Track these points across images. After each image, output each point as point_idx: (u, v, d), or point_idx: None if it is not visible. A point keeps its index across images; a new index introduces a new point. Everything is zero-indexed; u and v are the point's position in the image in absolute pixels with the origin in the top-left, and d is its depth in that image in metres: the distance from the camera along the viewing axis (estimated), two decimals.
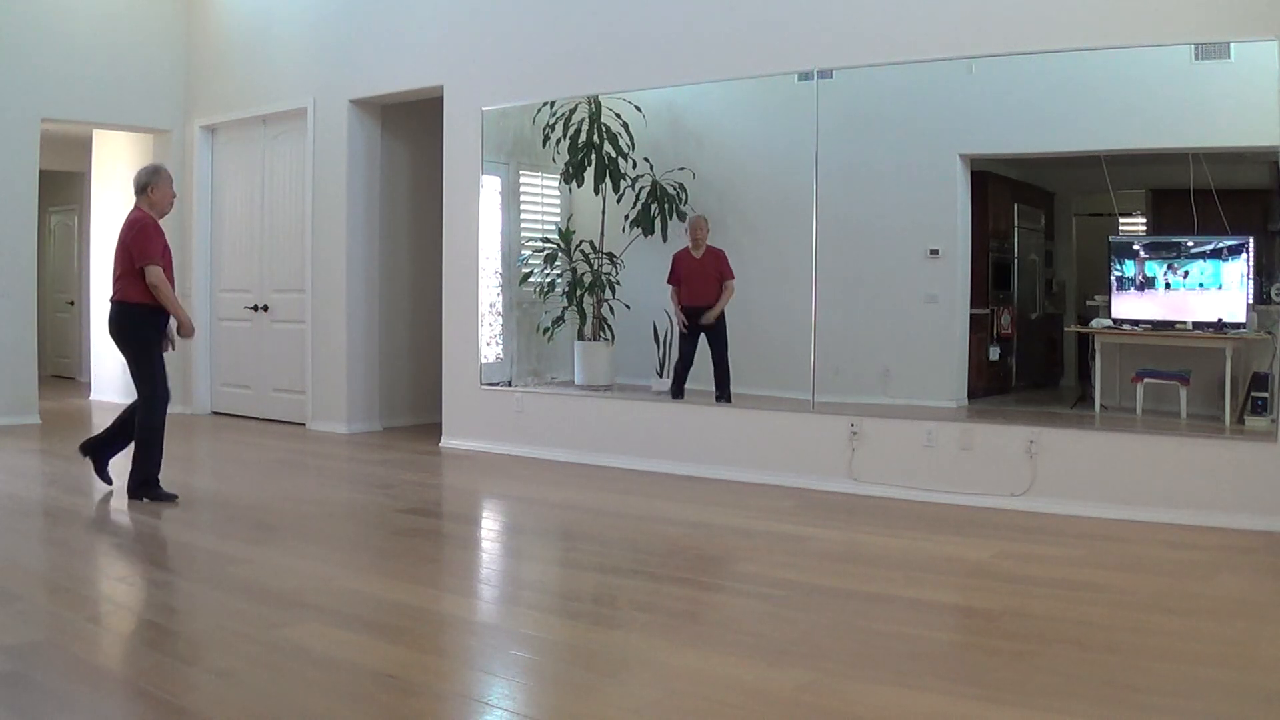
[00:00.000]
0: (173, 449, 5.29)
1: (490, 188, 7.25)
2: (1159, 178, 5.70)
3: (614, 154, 6.94)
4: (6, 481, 5.71)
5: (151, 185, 5.16)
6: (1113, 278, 5.53)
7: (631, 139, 6.88)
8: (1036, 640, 3.15)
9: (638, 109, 6.77)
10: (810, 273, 5.92)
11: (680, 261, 6.57)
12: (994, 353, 6.10)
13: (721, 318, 6.46)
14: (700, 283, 6.50)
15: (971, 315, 5.96)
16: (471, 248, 7.20)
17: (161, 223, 5.16)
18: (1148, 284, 5.46)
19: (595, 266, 7.08)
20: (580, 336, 7.10)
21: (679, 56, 6.25)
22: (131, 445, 5.22)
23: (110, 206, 9.84)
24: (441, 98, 7.33)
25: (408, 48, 7.48)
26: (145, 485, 5.16)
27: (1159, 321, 5.41)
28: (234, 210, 8.89)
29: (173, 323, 5.23)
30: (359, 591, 3.69)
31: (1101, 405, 5.57)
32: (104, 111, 8.69)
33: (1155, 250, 5.49)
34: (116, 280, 5.10)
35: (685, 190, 6.76)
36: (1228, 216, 5.21)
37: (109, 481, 5.38)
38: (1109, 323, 5.51)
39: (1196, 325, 5.28)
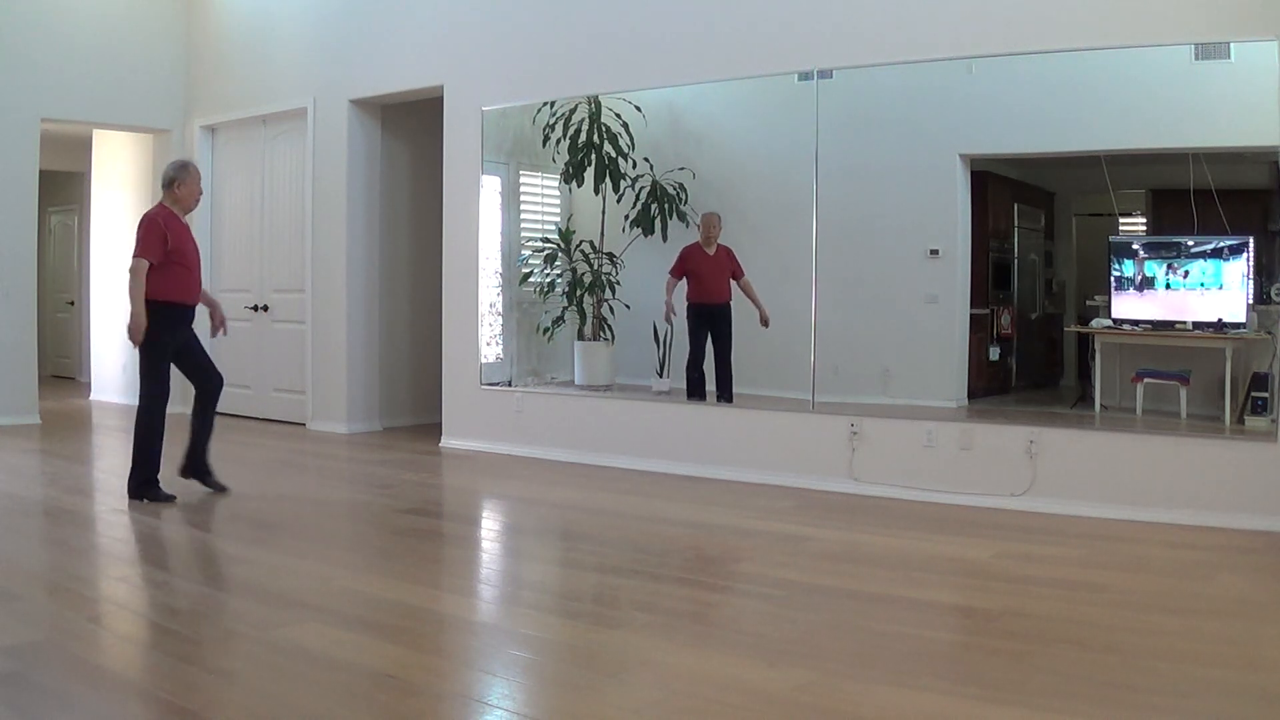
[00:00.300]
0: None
1: (490, 188, 7.25)
2: (1159, 178, 5.70)
3: (614, 154, 6.94)
4: (6, 481, 5.71)
5: (178, 181, 5.16)
6: (1112, 278, 5.53)
7: (631, 139, 6.88)
8: (1036, 640, 3.15)
9: (638, 109, 6.77)
10: (810, 273, 5.92)
11: (692, 257, 6.55)
12: (994, 353, 6.10)
13: (729, 316, 6.46)
14: (714, 279, 6.49)
15: (971, 315, 5.96)
16: (471, 248, 7.20)
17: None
18: (1147, 284, 5.46)
19: (595, 266, 7.08)
20: (580, 336, 7.10)
21: (679, 56, 6.25)
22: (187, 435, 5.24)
23: (110, 206, 9.86)
24: (441, 98, 7.33)
25: (408, 48, 7.48)
26: (145, 485, 5.15)
27: (1159, 321, 5.41)
28: (234, 210, 8.89)
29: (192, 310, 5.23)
30: (359, 591, 3.69)
31: (1101, 405, 5.57)
32: (104, 111, 8.69)
33: (1155, 250, 5.49)
34: None
35: (685, 190, 6.76)
36: (1228, 216, 5.21)
37: (223, 488, 5.35)
38: (1109, 323, 5.51)
39: (1196, 325, 5.28)
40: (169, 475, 5.24)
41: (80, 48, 8.40)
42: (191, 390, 5.36)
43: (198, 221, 8.93)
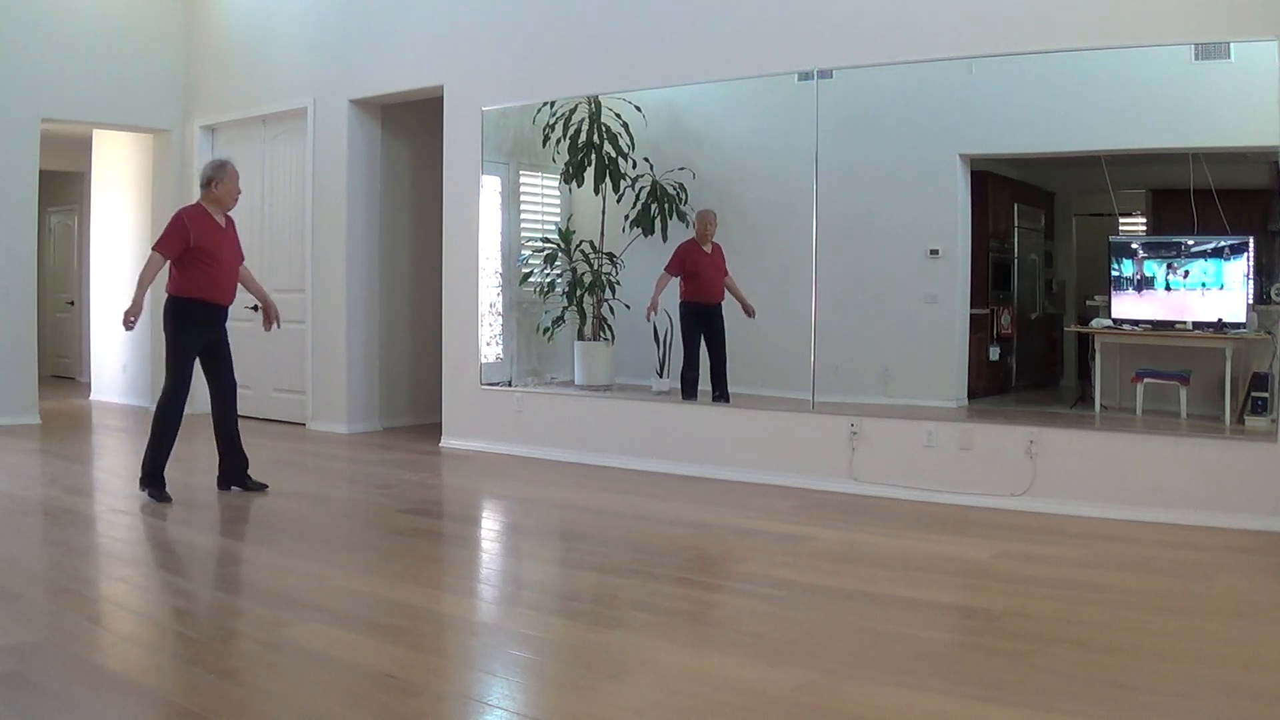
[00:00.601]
0: (174, 449, 5.30)
1: (490, 188, 7.25)
2: (1159, 178, 5.70)
3: (614, 154, 6.94)
4: (6, 481, 5.71)
5: (215, 180, 5.23)
6: (1112, 277, 5.53)
7: (631, 139, 6.88)
8: (1036, 640, 3.15)
9: (638, 109, 6.77)
10: (810, 273, 5.92)
11: (689, 255, 6.54)
12: (994, 353, 6.10)
13: (722, 315, 6.47)
14: (712, 278, 6.50)
15: (971, 315, 5.96)
16: (471, 248, 7.20)
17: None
18: (1147, 284, 5.46)
19: (595, 266, 7.08)
20: (580, 336, 7.10)
21: (679, 56, 6.25)
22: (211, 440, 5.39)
23: (110, 206, 9.86)
24: (441, 98, 7.33)
25: (408, 48, 7.48)
26: (149, 478, 5.17)
27: (1159, 321, 5.41)
28: (234, 210, 8.86)
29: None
30: (359, 591, 3.69)
31: (1101, 405, 5.57)
32: (104, 111, 8.69)
33: (1155, 250, 5.49)
34: (169, 274, 5.22)
35: (685, 190, 6.76)
36: (1228, 216, 5.22)
37: (263, 487, 5.42)
38: (1109, 323, 5.51)
39: (1196, 325, 5.28)
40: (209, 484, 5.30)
41: (80, 48, 8.40)
42: (190, 390, 5.39)
43: None
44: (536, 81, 6.86)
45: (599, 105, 6.92)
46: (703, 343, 6.50)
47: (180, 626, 3.28)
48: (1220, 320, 5.20)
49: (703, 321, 6.53)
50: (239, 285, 5.41)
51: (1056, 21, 5.05)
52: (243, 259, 5.46)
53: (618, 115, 6.89)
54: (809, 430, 5.77)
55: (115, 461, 6.87)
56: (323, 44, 8.04)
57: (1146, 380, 5.45)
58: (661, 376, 6.76)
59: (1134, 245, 5.58)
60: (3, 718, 2.46)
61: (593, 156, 6.97)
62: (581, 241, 7.13)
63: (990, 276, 6.17)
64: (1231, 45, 4.82)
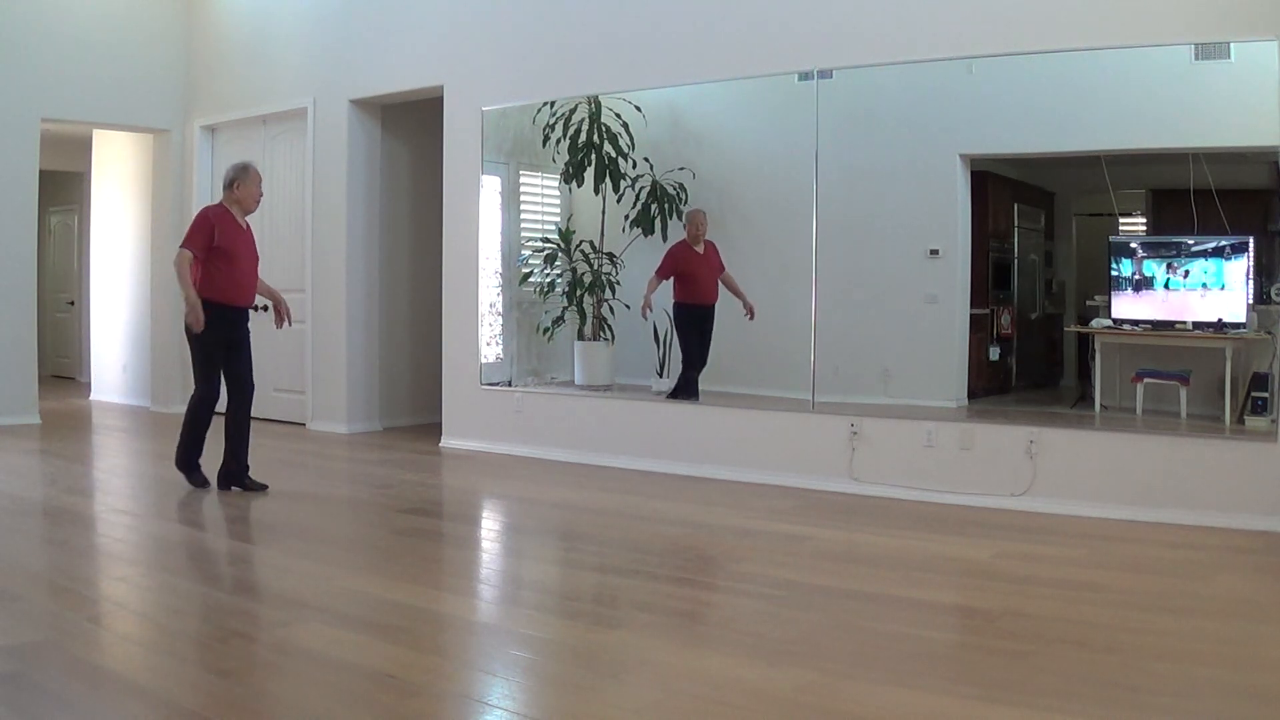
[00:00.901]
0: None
1: (490, 188, 7.25)
2: (1159, 178, 5.70)
3: (614, 154, 6.94)
4: (6, 481, 5.71)
5: (238, 182, 5.31)
6: (1112, 277, 5.53)
7: (631, 139, 6.88)
8: (1036, 640, 3.15)
9: (638, 109, 6.77)
10: (810, 272, 5.92)
11: (680, 257, 6.55)
12: (994, 353, 6.10)
13: (713, 317, 6.48)
14: (706, 279, 6.51)
15: (971, 315, 5.96)
16: (471, 248, 7.20)
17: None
18: (1147, 284, 5.46)
19: (595, 266, 7.08)
20: (580, 336, 7.10)
21: (679, 56, 6.25)
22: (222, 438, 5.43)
23: (110, 206, 9.86)
24: (441, 98, 7.33)
25: (408, 48, 7.48)
26: (183, 467, 5.39)
27: (1159, 321, 5.41)
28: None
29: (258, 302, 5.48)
30: (359, 591, 3.69)
31: (1101, 405, 5.57)
32: (104, 111, 8.69)
33: (1155, 250, 5.49)
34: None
35: (685, 190, 6.76)
36: (1228, 216, 5.21)
37: (262, 487, 5.44)
38: (1109, 323, 5.51)
39: (1196, 325, 5.28)
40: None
41: (80, 48, 8.40)
42: (190, 390, 5.41)
43: None
44: (536, 81, 6.86)
45: (599, 105, 6.92)
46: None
47: (180, 626, 3.28)
48: (1220, 320, 5.20)
49: (697, 323, 6.53)
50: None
51: (1056, 21, 5.05)
52: (258, 261, 5.49)
53: (618, 115, 6.89)
54: (809, 430, 5.77)
55: (115, 461, 6.87)
56: (323, 44, 8.04)
57: (1146, 380, 5.45)
58: (661, 376, 6.77)
59: (1134, 245, 5.58)
60: (3, 718, 2.46)
61: (593, 156, 6.97)
62: (581, 241, 7.13)
63: (990, 276, 6.17)
64: (1231, 45, 4.82)
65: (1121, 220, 5.93)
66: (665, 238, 6.76)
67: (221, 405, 5.36)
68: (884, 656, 3.02)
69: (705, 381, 6.46)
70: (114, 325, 9.80)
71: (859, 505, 5.26)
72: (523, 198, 7.47)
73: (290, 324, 5.61)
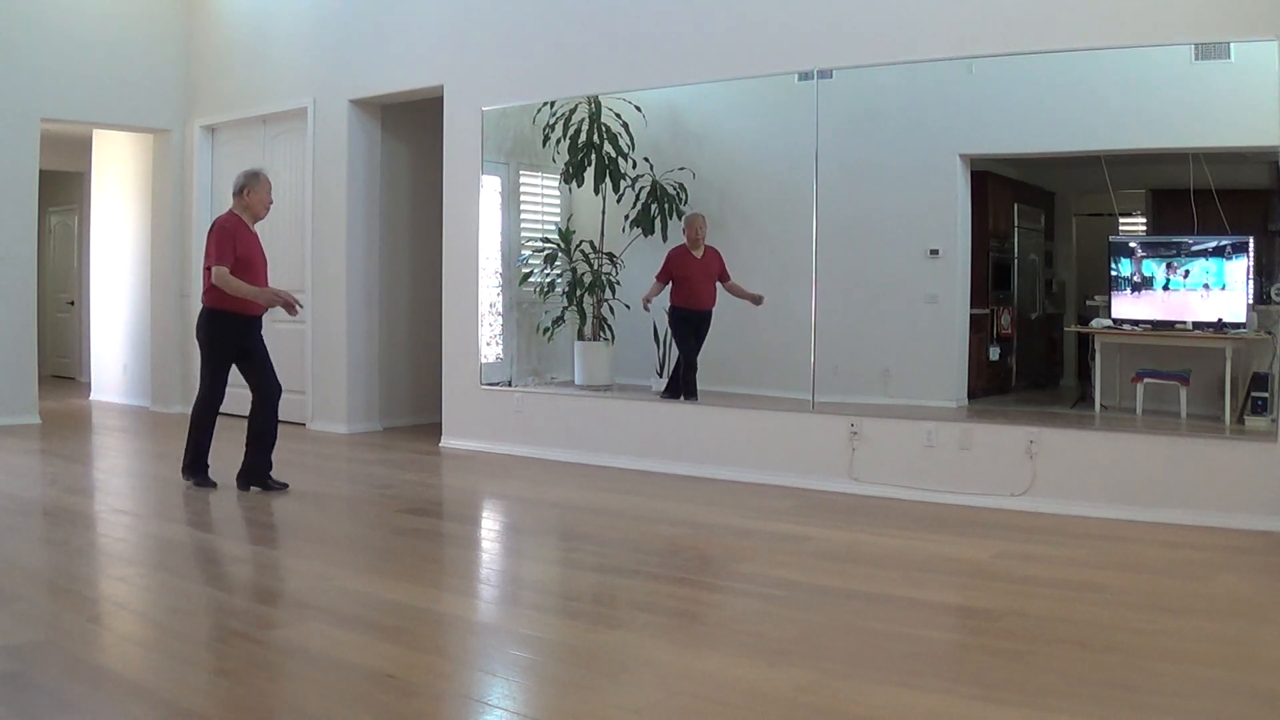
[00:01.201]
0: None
1: (490, 188, 7.25)
2: (1159, 178, 5.70)
3: (614, 154, 6.94)
4: (6, 481, 5.71)
5: (248, 188, 5.33)
6: (1112, 277, 5.53)
7: (631, 139, 6.88)
8: (1036, 640, 3.15)
9: (638, 109, 6.77)
10: (810, 273, 5.92)
11: (678, 261, 6.55)
12: (994, 353, 6.10)
13: (710, 321, 6.47)
14: (702, 284, 6.49)
15: (971, 315, 5.96)
16: (471, 248, 7.20)
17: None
18: (1147, 284, 5.46)
19: (595, 266, 7.08)
20: (580, 336, 7.10)
21: (679, 56, 6.25)
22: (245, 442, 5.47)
23: (110, 206, 9.86)
24: (441, 98, 7.33)
25: (408, 48, 7.48)
26: (189, 469, 5.43)
27: (1159, 321, 5.41)
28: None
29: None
30: (359, 591, 3.69)
31: (1101, 405, 5.57)
32: (104, 111, 8.69)
33: (1155, 250, 5.49)
34: (204, 284, 5.31)
35: (685, 190, 6.76)
36: (1228, 216, 5.22)
37: (283, 486, 5.46)
38: (1109, 323, 5.51)
39: (1196, 325, 5.28)
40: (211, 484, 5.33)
41: (80, 48, 8.40)
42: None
43: (198, 222, 8.96)
44: (536, 81, 6.86)
45: (599, 105, 6.92)
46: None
47: (180, 626, 3.28)
48: (1220, 320, 5.20)
49: (692, 327, 6.52)
50: None
51: (1056, 21, 5.05)
52: (268, 265, 5.51)
53: (618, 115, 6.89)
54: (809, 430, 5.77)
55: (115, 461, 6.87)
56: (323, 44, 8.04)
57: (1146, 380, 5.45)
58: (661, 376, 6.77)
59: (1134, 245, 5.58)
60: (3, 718, 2.46)
61: (593, 156, 6.97)
62: (581, 241, 7.13)
63: (990, 276, 6.17)
64: (1231, 45, 4.82)
65: (1121, 220, 5.93)
66: (665, 238, 6.76)
67: (235, 408, 5.35)
68: (884, 656, 3.02)
69: (705, 381, 6.46)
70: (114, 325, 9.80)
71: (859, 505, 5.26)
72: (523, 198, 7.47)
73: (299, 309, 5.59)
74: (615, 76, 6.57)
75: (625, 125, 6.88)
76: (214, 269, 5.16)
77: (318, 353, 8.11)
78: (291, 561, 4.11)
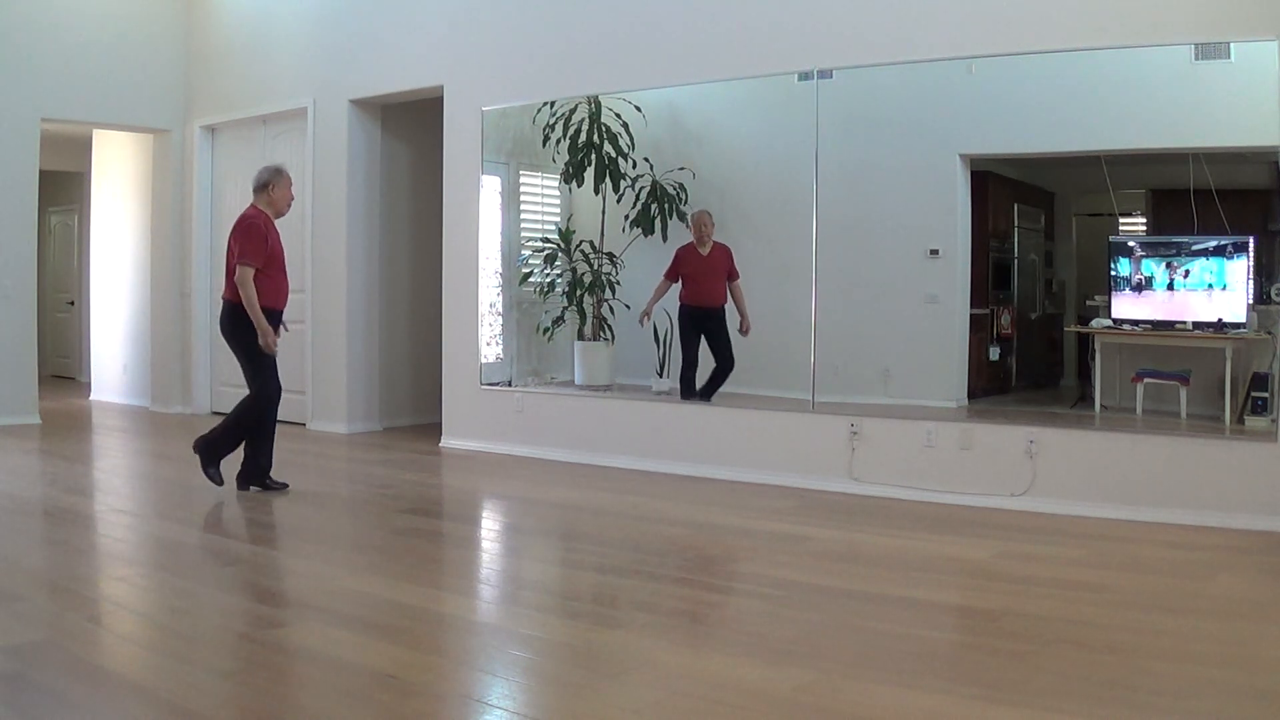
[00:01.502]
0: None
1: (490, 188, 7.25)
2: (1159, 178, 5.70)
3: (614, 154, 6.94)
4: (6, 481, 5.71)
5: (272, 184, 5.32)
6: (1112, 277, 5.53)
7: (631, 139, 6.88)
8: (1036, 640, 3.15)
9: (638, 109, 6.77)
10: (810, 272, 5.92)
11: (686, 259, 6.54)
12: (994, 353, 6.10)
13: (723, 318, 6.45)
14: (710, 282, 6.47)
15: (971, 315, 5.96)
16: (471, 248, 7.20)
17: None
18: (1147, 284, 5.46)
19: (595, 266, 7.08)
20: (580, 336, 7.10)
21: (679, 56, 6.25)
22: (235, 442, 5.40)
23: (110, 206, 9.86)
24: (441, 98, 7.33)
25: (408, 48, 7.48)
26: (255, 476, 5.34)
27: (1159, 321, 5.41)
28: (234, 211, 8.78)
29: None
30: (359, 591, 3.69)
31: (1101, 405, 5.57)
32: (104, 111, 8.69)
33: (1155, 250, 5.49)
34: (227, 278, 5.27)
35: (685, 190, 6.76)
36: (1228, 216, 5.21)
37: (219, 482, 5.35)
38: (1109, 323, 5.51)
39: (1196, 325, 5.28)
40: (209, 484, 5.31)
41: (80, 48, 8.40)
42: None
43: (198, 222, 8.97)
44: (536, 81, 6.86)
45: (599, 105, 6.92)
46: (704, 343, 6.48)
47: (180, 626, 3.28)
48: (1220, 320, 5.20)
49: (700, 325, 6.51)
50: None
51: (1056, 21, 5.05)
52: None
53: (618, 115, 6.89)
54: (809, 430, 5.77)
55: (115, 461, 6.88)
56: (323, 44, 8.04)
57: (1146, 380, 5.45)
58: (661, 376, 6.76)
59: (1134, 245, 5.58)
60: (3, 718, 2.46)
61: (593, 156, 6.97)
62: (581, 241, 7.13)
63: (990, 276, 6.17)
64: (1231, 45, 4.82)
65: (1121, 220, 5.93)
66: (665, 238, 6.76)
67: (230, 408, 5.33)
68: (884, 656, 3.02)
69: (705, 381, 6.45)
70: (114, 325, 9.80)
71: (859, 505, 5.26)
72: (523, 198, 7.47)
73: (286, 330, 5.56)
74: (615, 76, 6.57)
75: (625, 125, 6.87)
76: (240, 268, 5.12)
77: (318, 353, 8.11)
78: (291, 561, 4.11)
